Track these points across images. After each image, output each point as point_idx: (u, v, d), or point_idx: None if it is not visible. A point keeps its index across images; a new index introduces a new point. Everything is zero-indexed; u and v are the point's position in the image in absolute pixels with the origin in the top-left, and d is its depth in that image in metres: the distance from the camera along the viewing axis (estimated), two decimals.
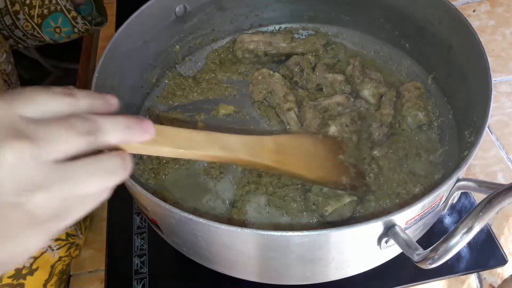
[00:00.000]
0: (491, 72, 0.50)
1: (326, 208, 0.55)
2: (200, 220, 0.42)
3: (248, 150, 0.41)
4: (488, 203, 0.34)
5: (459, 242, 0.34)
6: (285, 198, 0.59)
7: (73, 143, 0.26)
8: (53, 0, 0.66)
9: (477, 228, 0.34)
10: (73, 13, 0.66)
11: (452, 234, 0.35)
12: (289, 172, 0.47)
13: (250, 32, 0.79)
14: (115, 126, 0.28)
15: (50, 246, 0.63)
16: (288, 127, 0.66)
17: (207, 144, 0.37)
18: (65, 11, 0.66)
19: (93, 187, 0.27)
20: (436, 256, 0.35)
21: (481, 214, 0.34)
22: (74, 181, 0.26)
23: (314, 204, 0.56)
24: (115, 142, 0.29)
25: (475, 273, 0.66)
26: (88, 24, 0.69)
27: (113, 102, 0.31)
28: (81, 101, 0.28)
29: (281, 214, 0.58)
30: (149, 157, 0.66)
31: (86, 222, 0.73)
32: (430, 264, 0.36)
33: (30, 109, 0.26)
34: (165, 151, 0.34)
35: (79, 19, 0.67)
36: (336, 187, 0.56)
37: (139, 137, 0.30)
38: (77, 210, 0.28)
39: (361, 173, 0.58)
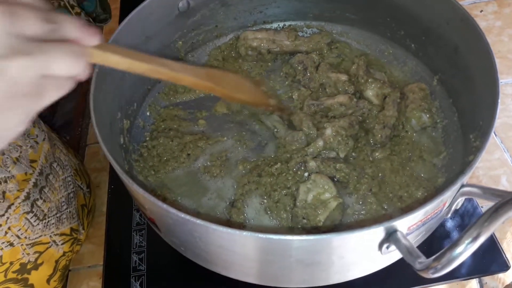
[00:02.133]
0: (498, 76, 0.49)
1: (318, 218, 0.54)
2: (198, 221, 0.41)
3: (186, 71, 0.45)
4: (494, 212, 0.33)
5: (464, 252, 0.34)
6: (277, 204, 0.58)
7: (40, 25, 0.30)
8: None
9: (482, 238, 0.33)
10: (77, 9, 0.66)
11: (456, 244, 0.34)
12: (224, 92, 0.52)
13: (253, 29, 0.78)
14: (71, 23, 0.33)
15: (54, 241, 0.63)
16: (275, 130, 0.65)
17: (150, 60, 0.41)
18: (69, 7, 0.66)
19: (64, 66, 0.31)
20: (439, 266, 0.34)
21: (486, 224, 0.33)
22: (48, 55, 0.30)
23: (304, 218, 0.55)
24: (68, 35, 0.33)
25: (477, 278, 0.65)
26: (92, 20, 0.68)
27: (94, 33, 0.35)
28: (60, 26, 0.33)
29: (276, 218, 0.58)
30: (150, 154, 0.65)
31: (89, 218, 0.73)
32: (433, 273, 0.35)
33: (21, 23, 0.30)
34: (113, 59, 0.37)
35: (82, 16, 0.67)
36: (266, 108, 0.64)
37: (90, 38, 0.35)
38: (51, 92, 0.32)
39: (280, 101, 0.67)
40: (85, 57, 0.33)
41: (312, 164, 0.59)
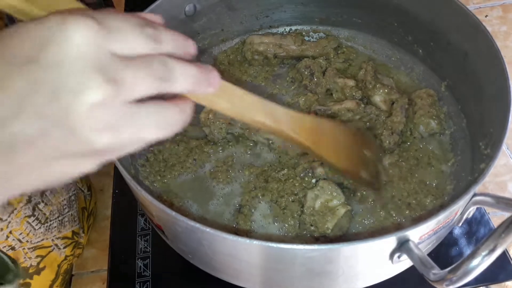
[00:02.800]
0: (510, 83, 0.49)
1: (326, 226, 0.54)
2: (207, 229, 0.40)
3: (290, 124, 0.42)
4: (511, 224, 0.32)
5: (480, 265, 0.33)
6: (285, 211, 0.57)
7: (149, 87, 0.27)
8: None
9: (499, 251, 0.32)
10: None
11: (472, 256, 0.33)
12: (319, 155, 0.48)
13: (260, 33, 0.78)
14: (185, 75, 0.29)
15: (56, 245, 0.63)
16: (270, 142, 0.65)
17: (256, 108, 0.38)
18: None
19: (153, 134, 0.28)
20: (454, 278, 0.34)
21: (503, 235, 0.32)
22: (140, 127, 0.27)
23: (311, 225, 0.55)
24: (180, 91, 0.29)
25: (484, 286, 0.65)
26: None
27: (192, 51, 0.31)
28: (165, 47, 0.28)
29: (283, 224, 0.57)
30: (156, 159, 0.64)
31: (90, 221, 0.73)
32: (447, 285, 0.35)
33: (119, 47, 0.26)
34: (221, 106, 0.34)
35: None
36: (354, 179, 0.57)
37: (204, 89, 0.30)
38: (129, 148, 0.28)
39: (378, 172, 0.59)
40: (186, 122, 0.30)
41: (320, 170, 0.59)
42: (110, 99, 0.25)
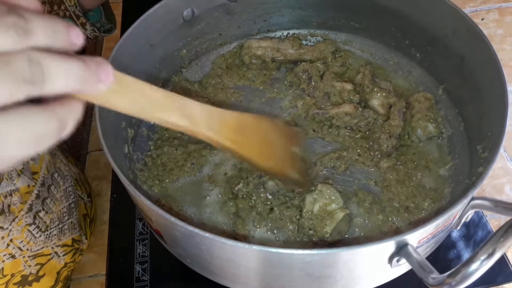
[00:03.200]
0: (507, 87, 0.49)
1: (325, 230, 0.54)
2: (206, 234, 0.40)
3: (209, 124, 0.37)
4: (510, 228, 0.32)
5: (479, 269, 0.33)
6: (282, 218, 0.57)
7: (10, 92, 0.21)
8: (62, 6, 0.65)
9: (498, 255, 0.33)
10: (82, 19, 0.65)
11: (471, 260, 0.33)
12: (242, 156, 0.43)
13: (258, 37, 0.78)
14: (64, 73, 0.23)
15: (56, 253, 0.62)
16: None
17: (167, 108, 0.32)
18: (74, 17, 0.65)
19: (17, 151, 0.23)
20: (453, 282, 0.34)
21: (502, 239, 0.32)
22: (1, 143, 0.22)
23: (310, 229, 0.55)
24: (59, 93, 0.23)
25: None
26: (97, 30, 0.68)
27: (77, 41, 0.25)
28: (35, 39, 0.22)
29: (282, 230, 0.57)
30: (154, 164, 0.64)
31: (92, 227, 0.72)
32: None
33: None
34: (118, 105, 0.28)
35: (88, 26, 0.66)
36: (281, 178, 0.54)
37: (92, 87, 0.24)
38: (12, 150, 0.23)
39: (306, 170, 0.57)
40: (65, 131, 0.24)
41: (271, 183, 0.58)
42: None
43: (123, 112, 0.29)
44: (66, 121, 0.24)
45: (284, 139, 0.52)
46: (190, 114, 0.34)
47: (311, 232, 0.55)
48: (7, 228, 0.54)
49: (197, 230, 0.40)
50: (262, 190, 0.59)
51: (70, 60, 0.23)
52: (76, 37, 0.24)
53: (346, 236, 0.56)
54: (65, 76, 0.23)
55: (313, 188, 0.57)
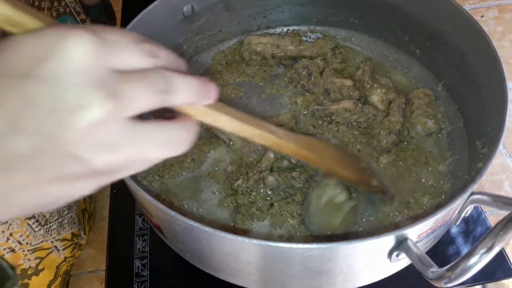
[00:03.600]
0: (506, 83, 0.49)
1: (334, 222, 0.54)
2: (206, 228, 0.41)
3: (290, 139, 0.42)
4: (509, 222, 0.32)
5: (478, 262, 0.33)
6: (282, 213, 0.57)
7: (149, 101, 0.25)
8: (63, 2, 0.65)
9: (497, 248, 0.33)
10: (82, 16, 0.65)
11: (470, 254, 0.34)
12: (326, 165, 0.48)
13: (257, 33, 0.78)
14: (185, 86, 0.27)
15: (56, 247, 0.63)
16: (231, 143, 0.64)
17: (257, 125, 0.37)
18: (74, 14, 0.65)
19: (157, 155, 0.27)
20: (452, 276, 0.34)
21: (501, 233, 0.32)
22: (143, 147, 0.25)
23: (319, 223, 0.55)
24: (182, 103, 0.28)
25: (481, 284, 0.65)
26: None
27: (184, 69, 0.30)
28: (161, 61, 0.27)
29: (283, 224, 0.57)
30: None
31: (90, 223, 0.73)
32: (446, 283, 0.35)
33: (118, 62, 0.24)
34: (222, 119, 0.33)
35: (88, 22, 0.66)
36: (369, 189, 0.57)
37: (205, 100, 0.29)
38: (130, 170, 0.27)
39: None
40: (190, 143, 0.28)
41: (270, 179, 0.58)
42: (110, 116, 0.23)
43: (227, 128, 0.34)
44: (193, 132, 0.28)
45: (349, 157, 0.58)
46: (276, 131, 0.40)
47: (320, 226, 0.55)
48: (7, 222, 0.54)
49: (197, 224, 0.40)
50: (262, 185, 0.59)
51: (188, 76, 0.28)
52: (184, 66, 0.29)
53: (356, 227, 0.56)
54: (186, 88, 0.27)
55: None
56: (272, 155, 0.62)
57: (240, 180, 0.60)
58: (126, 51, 0.25)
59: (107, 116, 0.23)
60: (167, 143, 0.27)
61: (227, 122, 0.33)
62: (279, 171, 0.60)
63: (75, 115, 0.22)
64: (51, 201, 0.25)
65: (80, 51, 0.23)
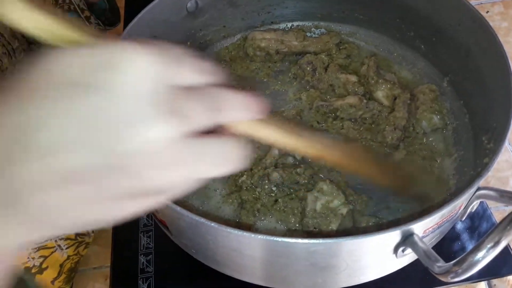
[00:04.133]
0: None
1: (330, 227, 0.54)
2: (212, 224, 0.41)
3: (330, 149, 0.41)
4: None
5: (485, 257, 0.33)
6: (285, 210, 0.57)
7: (206, 118, 0.25)
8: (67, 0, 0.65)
9: (504, 243, 0.33)
10: (87, 13, 0.65)
11: (477, 248, 0.33)
12: (358, 169, 0.47)
13: (261, 29, 0.78)
14: (238, 103, 0.27)
15: (59, 246, 0.63)
16: None
17: (299, 136, 0.36)
18: (79, 11, 0.65)
19: (211, 173, 0.26)
20: (459, 270, 0.34)
21: (508, 228, 0.32)
22: (198, 163, 0.25)
23: (315, 227, 0.54)
24: (230, 120, 0.28)
25: (486, 280, 0.65)
26: (101, 24, 0.68)
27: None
28: (212, 78, 0.27)
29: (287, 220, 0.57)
30: None
31: None
32: (453, 278, 0.35)
33: (176, 79, 0.24)
34: (267, 132, 0.32)
35: (92, 19, 0.66)
36: (404, 194, 0.56)
37: (256, 114, 0.29)
38: (177, 190, 0.26)
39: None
40: (243, 160, 0.27)
41: (275, 174, 0.58)
42: (170, 132, 0.23)
43: (274, 142, 0.33)
44: (245, 149, 0.28)
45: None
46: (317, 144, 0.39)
47: (316, 230, 0.55)
48: None
49: (203, 220, 0.40)
50: (266, 182, 0.59)
51: (241, 94, 0.27)
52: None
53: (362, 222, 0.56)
54: (238, 104, 0.27)
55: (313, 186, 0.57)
56: (276, 152, 0.62)
57: (245, 176, 0.60)
58: (183, 68, 0.25)
59: (167, 132, 0.23)
60: (223, 160, 0.26)
61: (271, 135, 0.33)
62: (283, 167, 0.60)
63: (138, 130, 0.22)
64: (92, 220, 0.25)
65: (142, 66, 0.23)
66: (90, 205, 0.23)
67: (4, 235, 0.23)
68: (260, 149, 0.63)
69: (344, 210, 0.54)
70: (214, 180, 0.62)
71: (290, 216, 0.56)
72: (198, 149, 0.24)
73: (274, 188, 0.58)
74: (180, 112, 0.23)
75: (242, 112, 0.28)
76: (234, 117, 0.27)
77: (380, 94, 0.67)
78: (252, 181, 0.59)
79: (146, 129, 0.22)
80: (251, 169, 0.60)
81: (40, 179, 0.22)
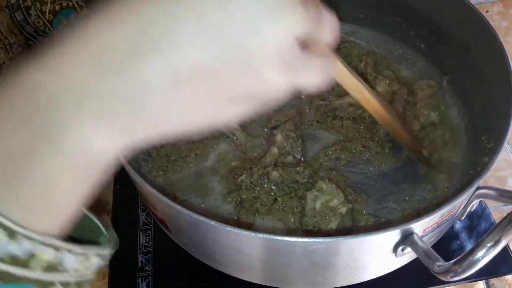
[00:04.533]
0: None
1: (330, 226, 0.53)
2: (212, 222, 0.40)
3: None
4: None
5: (485, 256, 0.33)
6: (284, 209, 0.57)
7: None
8: None
9: (504, 242, 0.33)
10: (85, 10, 0.65)
11: (477, 247, 0.33)
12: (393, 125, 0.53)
13: None
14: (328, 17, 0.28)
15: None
16: (235, 138, 0.64)
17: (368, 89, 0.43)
18: (77, 7, 0.65)
19: (307, 83, 0.26)
20: (459, 269, 0.34)
21: (508, 227, 0.32)
22: (300, 73, 0.25)
23: (314, 226, 0.54)
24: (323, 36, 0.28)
25: (484, 280, 0.65)
26: None
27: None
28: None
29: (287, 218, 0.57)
30: (158, 154, 0.64)
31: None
32: (452, 277, 0.35)
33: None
34: (348, 79, 0.38)
35: None
36: (418, 158, 0.60)
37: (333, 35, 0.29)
38: (284, 96, 0.26)
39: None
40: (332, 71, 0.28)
41: (274, 174, 0.58)
42: (299, 29, 0.22)
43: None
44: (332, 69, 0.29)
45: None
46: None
47: (316, 229, 0.55)
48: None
49: (203, 218, 0.40)
50: (266, 180, 0.59)
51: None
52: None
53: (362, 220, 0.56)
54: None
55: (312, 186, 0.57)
56: (276, 150, 0.61)
57: (244, 175, 0.60)
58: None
59: (296, 27, 0.22)
60: (318, 73, 0.26)
61: (351, 82, 0.38)
62: (283, 166, 0.60)
63: (273, 19, 0.21)
64: (200, 122, 0.24)
65: None
66: (202, 105, 0.23)
67: (108, 135, 0.22)
68: (260, 148, 0.63)
69: (343, 209, 0.55)
70: (214, 179, 0.62)
71: (290, 215, 0.56)
72: (302, 58, 0.24)
73: (273, 187, 0.58)
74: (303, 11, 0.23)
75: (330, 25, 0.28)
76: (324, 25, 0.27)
77: (379, 89, 0.67)
78: (251, 180, 0.59)
79: (283, 23, 0.22)
80: (251, 168, 0.60)
81: (162, 78, 0.21)
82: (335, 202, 0.55)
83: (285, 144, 0.61)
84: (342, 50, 0.75)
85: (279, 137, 0.61)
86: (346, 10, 0.75)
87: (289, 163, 0.61)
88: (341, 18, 0.81)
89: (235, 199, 0.60)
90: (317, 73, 0.26)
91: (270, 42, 0.22)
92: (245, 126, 0.66)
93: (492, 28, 0.54)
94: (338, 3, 0.75)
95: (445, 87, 0.67)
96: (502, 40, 0.54)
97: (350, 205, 0.55)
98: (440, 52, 0.67)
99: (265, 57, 0.22)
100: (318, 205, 0.55)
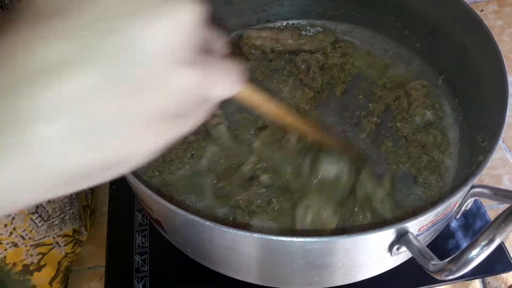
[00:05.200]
0: (507, 77, 0.49)
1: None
2: (207, 223, 0.40)
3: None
4: (510, 214, 0.32)
5: (480, 255, 0.33)
6: (276, 208, 0.57)
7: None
8: None
9: (498, 240, 0.33)
10: None
11: (472, 246, 0.34)
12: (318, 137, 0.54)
13: (257, 27, 0.78)
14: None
15: (57, 242, 0.62)
16: (220, 141, 0.64)
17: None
18: None
19: (224, 89, 0.26)
20: (454, 268, 0.34)
21: (502, 225, 0.32)
22: (213, 72, 0.25)
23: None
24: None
25: (480, 278, 0.65)
26: None
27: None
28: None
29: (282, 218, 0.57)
30: None
31: (92, 219, 0.72)
32: (447, 276, 0.35)
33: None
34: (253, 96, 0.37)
35: None
36: (350, 155, 0.59)
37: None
38: (196, 116, 0.25)
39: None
40: (243, 79, 0.28)
41: (264, 177, 0.58)
42: (195, 26, 0.22)
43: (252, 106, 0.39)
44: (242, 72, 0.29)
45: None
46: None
47: (312, 229, 0.54)
48: (10, 215, 0.54)
49: (198, 219, 0.40)
50: (256, 184, 0.58)
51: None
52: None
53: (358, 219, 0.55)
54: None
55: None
56: (254, 158, 0.61)
57: (234, 177, 0.59)
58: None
59: (193, 23, 0.22)
60: (232, 73, 0.26)
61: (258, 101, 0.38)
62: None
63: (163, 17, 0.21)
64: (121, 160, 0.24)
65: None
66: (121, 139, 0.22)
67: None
68: (238, 157, 0.63)
69: (333, 224, 0.53)
70: (210, 179, 0.62)
71: (285, 215, 0.56)
72: (211, 71, 0.24)
73: (264, 190, 0.58)
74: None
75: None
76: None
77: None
78: (242, 183, 0.59)
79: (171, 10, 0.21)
80: (240, 170, 0.60)
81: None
82: (324, 216, 0.54)
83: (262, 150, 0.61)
84: (337, 49, 0.75)
85: (257, 144, 0.61)
86: (342, 9, 0.75)
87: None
88: (337, 18, 0.82)
89: (230, 200, 0.60)
90: (228, 76, 0.26)
91: (165, 38, 0.21)
92: (233, 129, 0.66)
93: (487, 27, 0.54)
94: (334, 3, 0.75)
95: (440, 86, 0.67)
96: (496, 39, 0.54)
97: (336, 220, 0.54)
98: (435, 51, 0.67)
99: (164, 56, 0.21)
100: (309, 218, 0.54)
